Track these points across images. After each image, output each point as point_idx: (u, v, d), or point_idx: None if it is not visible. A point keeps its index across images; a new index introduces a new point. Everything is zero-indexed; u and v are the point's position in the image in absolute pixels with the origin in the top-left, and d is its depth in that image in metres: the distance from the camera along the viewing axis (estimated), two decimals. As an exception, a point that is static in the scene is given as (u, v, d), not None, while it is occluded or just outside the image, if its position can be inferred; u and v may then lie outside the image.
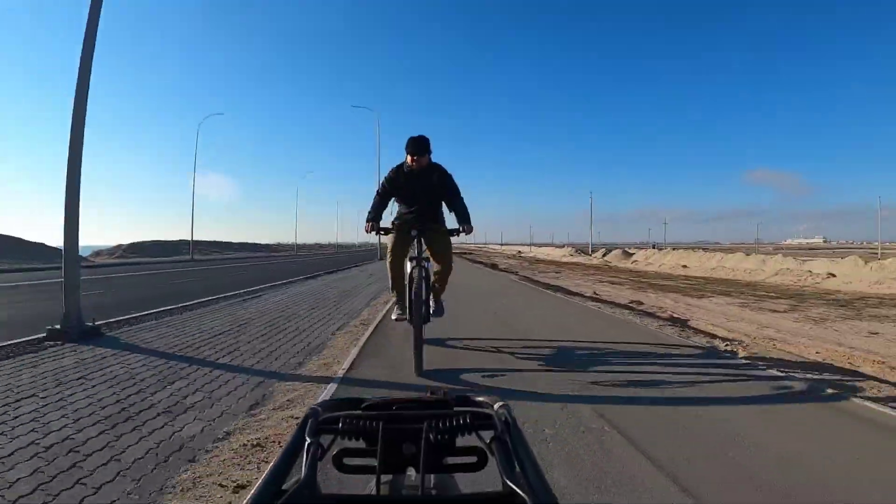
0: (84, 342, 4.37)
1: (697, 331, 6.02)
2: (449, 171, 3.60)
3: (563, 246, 73.67)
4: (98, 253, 44.01)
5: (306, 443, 0.45)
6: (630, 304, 9.69)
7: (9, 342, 4.26)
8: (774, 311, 10.67)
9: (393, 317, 3.76)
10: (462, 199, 3.60)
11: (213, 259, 36.54)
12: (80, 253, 4.99)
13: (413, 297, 3.23)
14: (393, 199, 3.66)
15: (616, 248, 53.15)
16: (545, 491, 0.38)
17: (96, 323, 4.81)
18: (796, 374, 3.35)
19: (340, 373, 3.29)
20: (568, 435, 2.18)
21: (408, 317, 3.46)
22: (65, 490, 1.74)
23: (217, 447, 2.13)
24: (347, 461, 0.50)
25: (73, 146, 4.70)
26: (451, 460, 0.49)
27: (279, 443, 2.13)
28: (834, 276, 20.81)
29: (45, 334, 4.49)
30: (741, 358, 3.90)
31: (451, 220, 3.72)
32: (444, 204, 3.67)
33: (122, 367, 3.50)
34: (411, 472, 0.51)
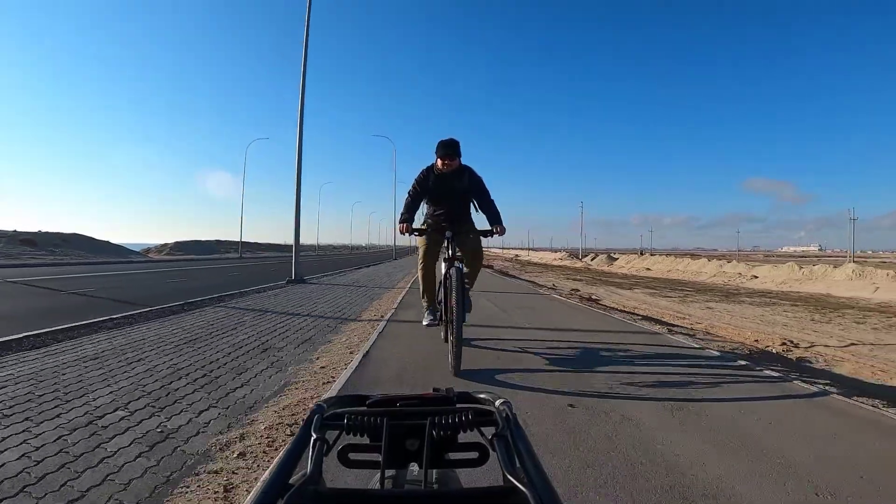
0: (304, 283, 10.74)
1: (602, 304, 10.02)
2: (478, 174, 3.62)
3: (558, 251, 79.41)
4: (148, 250, 49.48)
5: (312, 438, 0.47)
6: (571, 291, 13.47)
7: (275, 282, 10.66)
8: (667, 297, 15.70)
9: (424, 322, 3.75)
10: (493, 201, 3.65)
11: (257, 256, 42.92)
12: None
13: (453, 298, 3.16)
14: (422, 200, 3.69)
15: (611, 252, 59.22)
16: (545, 485, 0.39)
17: (304, 277, 11.13)
18: (617, 314, 8.72)
19: (406, 288, 9.86)
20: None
21: (439, 321, 3.66)
22: (356, 303, 8.12)
23: (386, 292, 8.98)
24: (352, 456, 0.52)
25: (298, 174, 11.01)
26: (453, 456, 0.51)
27: (403, 292, 8.39)
28: (757, 277, 26.53)
29: (285, 281, 10.79)
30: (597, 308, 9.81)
31: (478, 222, 3.77)
32: (472, 205, 3.70)
33: (334, 288, 10.02)
34: (414, 466, 0.52)
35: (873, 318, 10.36)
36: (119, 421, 2.29)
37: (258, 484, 0.40)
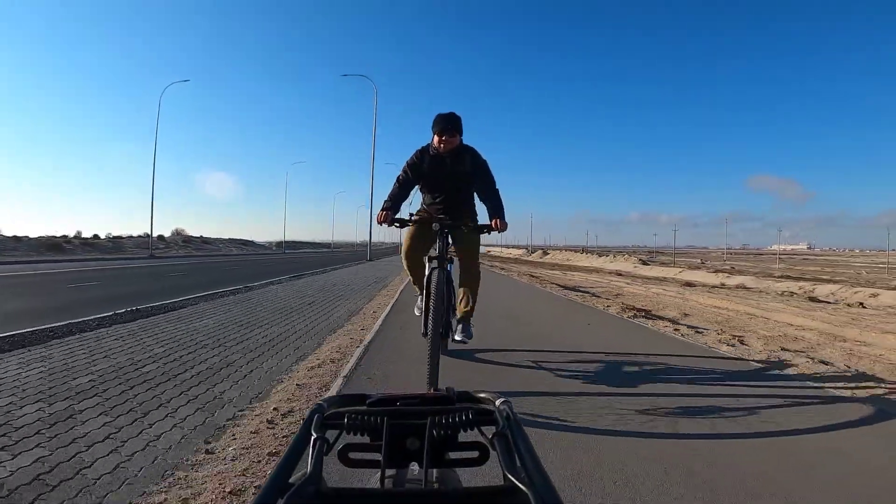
0: (374, 261, 25.52)
1: (519, 274, 26.28)
2: (483, 157, 3.08)
3: (521, 248, 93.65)
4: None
5: (312, 438, 0.48)
6: (502, 267, 30.02)
7: (358, 260, 25.45)
8: (527, 267, 30.87)
9: (416, 312, 3.34)
10: (497, 190, 3.11)
11: (297, 252, 58.24)
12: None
13: (432, 303, 2.66)
14: (417, 188, 3.17)
15: (587, 250, 72.20)
16: (545, 485, 0.39)
17: (372, 259, 25.74)
18: (517, 277, 23.33)
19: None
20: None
21: (422, 329, 3.03)
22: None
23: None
24: (352, 456, 0.52)
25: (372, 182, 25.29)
26: (453, 455, 0.51)
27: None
28: (647, 264, 41.22)
29: (365, 260, 25.43)
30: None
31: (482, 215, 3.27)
32: (475, 195, 3.19)
33: (390, 261, 24.44)
34: (414, 466, 0.53)
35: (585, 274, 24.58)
36: (385, 275, 16.64)
37: (261, 484, 0.38)
